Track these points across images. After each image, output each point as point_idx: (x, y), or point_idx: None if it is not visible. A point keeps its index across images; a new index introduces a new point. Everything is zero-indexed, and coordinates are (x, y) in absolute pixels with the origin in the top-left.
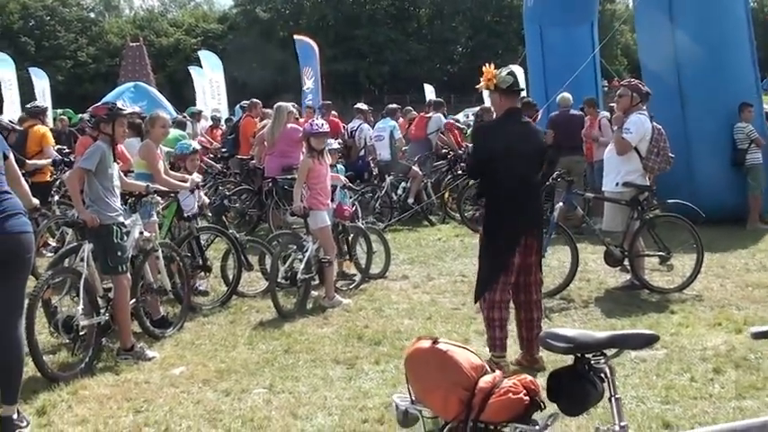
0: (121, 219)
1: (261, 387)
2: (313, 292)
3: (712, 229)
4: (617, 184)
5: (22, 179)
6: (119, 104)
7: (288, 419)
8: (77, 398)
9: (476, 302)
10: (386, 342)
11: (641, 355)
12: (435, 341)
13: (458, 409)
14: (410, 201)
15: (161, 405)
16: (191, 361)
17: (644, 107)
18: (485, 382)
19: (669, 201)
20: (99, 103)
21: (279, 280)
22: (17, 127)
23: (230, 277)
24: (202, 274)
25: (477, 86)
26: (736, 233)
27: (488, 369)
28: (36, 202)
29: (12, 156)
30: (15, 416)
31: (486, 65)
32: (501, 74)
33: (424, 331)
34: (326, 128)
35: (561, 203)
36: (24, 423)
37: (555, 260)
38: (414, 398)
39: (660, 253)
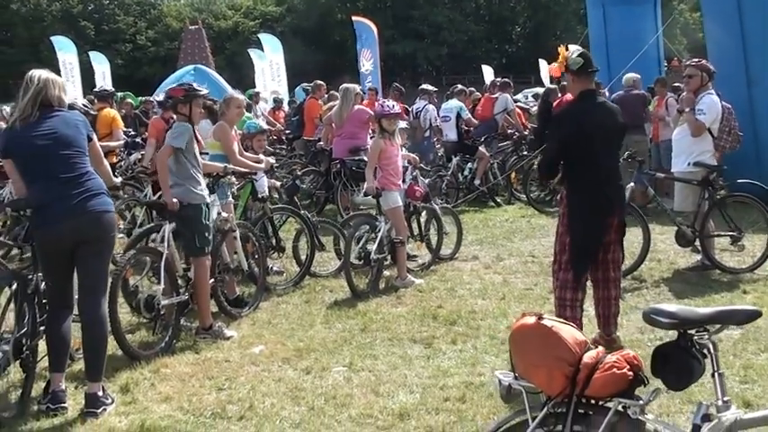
0: (208, 199)
1: (340, 365)
2: (385, 272)
3: None
4: (688, 164)
5: (105, 160)
6: (195, 85)
7: (370, 397)
8: (159, 376)
9: (579, 279)
10: (461, 322)
11: (718, 335)
12: (540, 317)
13: (563, 384)
14: (476, 182)
15: (243, 383)
16: (269, 340)
17: (711, 87)
18: (589, 357)
19: (739, 180)
20: (174, 85)
21: (352, 260)
22: (91, 111)
23: (303, 258)
24: (276, 254)
25: (552, 66)
26: None
27: (591, 345)
28: (118, 180)
29: (95, 137)
30: (101, 393)
31: (561, 47)
32: (572, 56)
33: (498, 312)
34: (398, 109)
35: (633, 183)
36: (109, 400)
37: (625, 241)
38: (517, 374)
39: (731, 233)
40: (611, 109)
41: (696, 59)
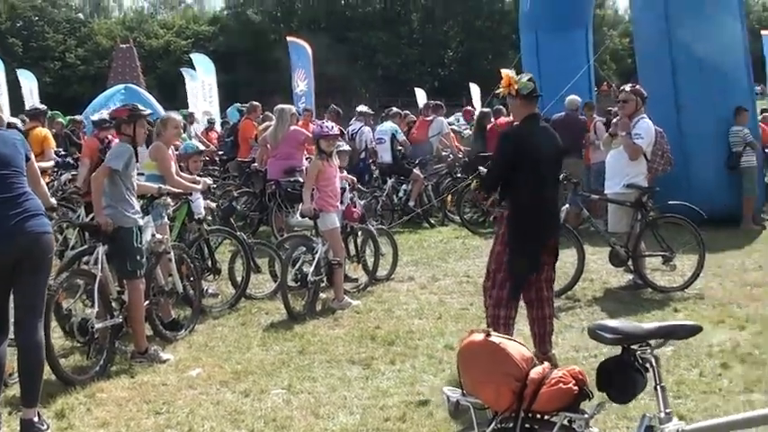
0: (141, 221)
1: (279, 387)
2: (322, 294)
3: (708, 229)
4: (623, 186)
5: (42, 180)
6: (139, 106)
7: (310, 419)
8: (95, 401)
9: (514, 297)
10: (399, 342)
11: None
12: (488, 334)
13: (510, 399)
14: (411, 203)
15: (181, 407)
16: (206, 363)
17: (644, 111)
18: (535, 373)
19: (671, 202)
20: (119, 106)
21: (288, 282)
22: (21, 128)
23: (239, 280)
24: (212, 276)
25: (497, 91)
26: (731, 234)
27: (537, 361)
28: (54, 201)
29: (33, 157)
30: (36, 418)
31: (505, 70)
32: (522, 80)
33: (436, 331)
34: (336, 130)
35: (567, 205)
36: (45, 426)
37: (560, 261)
38: (465, 390)
39: (663, 253)
40: (552, 134)
41: (631, 85)
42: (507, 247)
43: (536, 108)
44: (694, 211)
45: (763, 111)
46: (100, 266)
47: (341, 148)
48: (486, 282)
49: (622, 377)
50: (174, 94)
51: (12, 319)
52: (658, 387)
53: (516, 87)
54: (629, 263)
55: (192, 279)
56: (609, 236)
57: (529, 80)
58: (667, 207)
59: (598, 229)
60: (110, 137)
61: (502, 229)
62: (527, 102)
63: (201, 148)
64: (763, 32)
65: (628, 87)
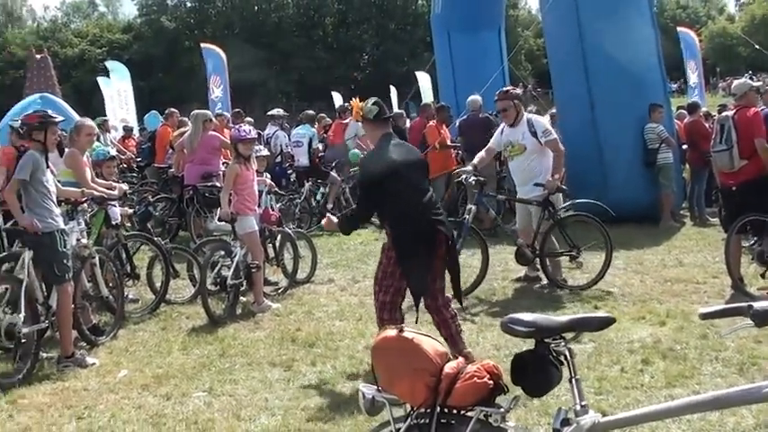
0: (62, 225)
1: (200, 391)
2: (242, 297)
3: (627, 227)
4: (533, 186)
5: None
6: (50, 113)
7: (232, 421)
8: (17, 407)
9: (416, 306)
10: (320, 344)
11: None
12: (401, 330)
13: (425, 394)
14: (329, 206)
15: (103, 411)
16: (127, 367)
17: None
18: (450, 367)
19: (578, 200)
20: (30, 112)
21: (208, 286)
22: None
23: (157, 285)
24: (131, 281)
25: (349, 119)
26: (650, 231)
27: (451, 356)
28: None
29: None
30: None
31: (353, 99)
32: (366, 105)
33: (356, 332)
34: (254, 134)
35: (473, 206)
36: None
37: (469, 259)
38: (380, 386)
39: (569, 251)
40: (409, 147)
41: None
42: (398, 264)
43: (388, 128)
44: (603, 209)
45: (678, 108)
46: (26, 271)
47: (260, 153)
48: (374, 285)
49: (537, 370)
50: (90, 103)
51: None
52: (573, 380)
53: (362, 113)
54: (536, 262)
55: (110, 284)
56: (516, 235)
57: (374, 104)
58: (577, 206)
59: (504, 230)
60: (26, 145)
61: (387, 244)
62: (377, 124)
63: (114, 153)
64: (678, 29)
65: (502, 93)
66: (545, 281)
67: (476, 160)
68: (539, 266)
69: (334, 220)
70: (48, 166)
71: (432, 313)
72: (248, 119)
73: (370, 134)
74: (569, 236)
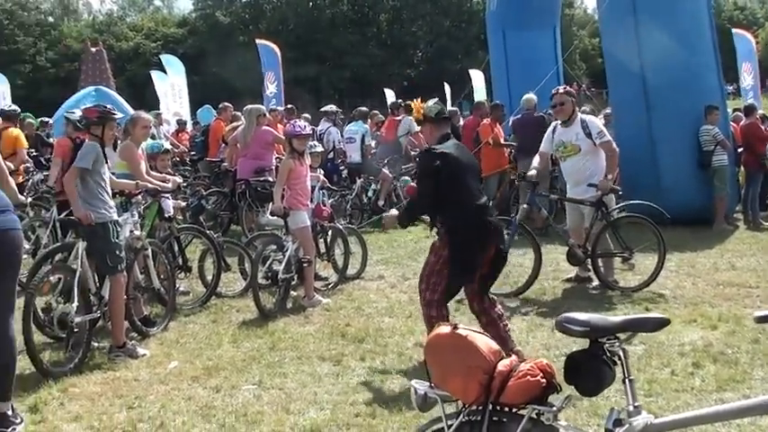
0: (116, 216)
1: (250, 383)
2: (292, 291)
3: (680, 230)
4: (587, 186)
5: (10, 178)
6: (109, 108)
7: (280, 414)
8: (68, 395)
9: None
10: (369, 339)
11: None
12: (455, 327)
13: (477, 392)
14: (380, 203)
15: (153, 402)
16: (177, 359)
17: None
18: (503, 365)
19: (632, 202)
20: (90, 106)
21: (259, 280)
22: None
23: (209, 278)
24: (183, 274)
25: (402, 116)
26: (703, 234)
27: (504, 354)
28: (23, 198)
29: (0, 156)
30: (10, 412)
31: (414, 100)
32: (428, 104)
33: (406, 329)
34: (309, 130)
35: (525, 205)
36: (18, 419)
37: (518, 262)
38: (433, 382)
39: (622, 253)
40: (467, 150)
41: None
42: (448, 259)
43: (448, 128)
44: (657, 211)
45: (735, 110)
46: (80, 261)
47: (315, 149)
48: (420, 284)
49: (590, 370)
50: (143, 96)
51: None
52: (627, 380)
53: (423, 112)
54: (587, 262)
55: (161, 277)
56: (567, 235)
57: (435, 104)
58: (630, 207)
59: (556, 230)
60: (81, 136)
61: (438, 243)
62: (438, 124)
63: (168, 146)
64: (734, 30)
65: (561, 89)
66: (596, 282)
67: (535, 163)
68: (590, 267)
69: (395, 212)
70: (105, 159)
71: (479, 315)
72: (305, 115)
73: (429, 133)
74: (622, 237)
